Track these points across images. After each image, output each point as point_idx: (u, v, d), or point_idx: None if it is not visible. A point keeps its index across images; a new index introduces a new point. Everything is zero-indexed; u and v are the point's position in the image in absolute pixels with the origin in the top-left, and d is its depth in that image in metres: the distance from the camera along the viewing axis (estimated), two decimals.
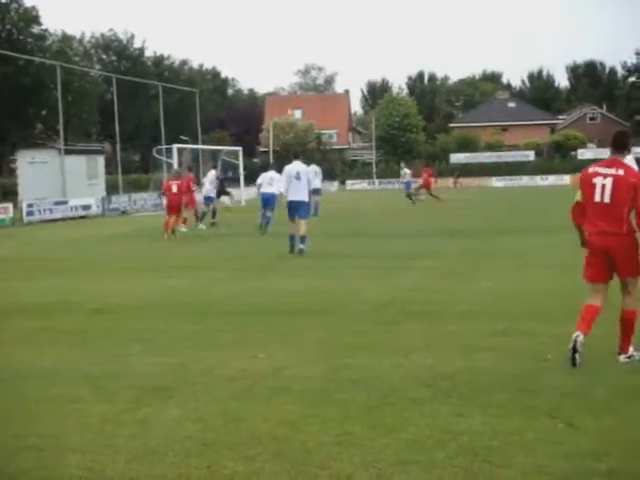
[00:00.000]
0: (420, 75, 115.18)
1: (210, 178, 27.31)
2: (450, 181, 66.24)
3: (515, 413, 5.29)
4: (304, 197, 16.63)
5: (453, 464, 4.44)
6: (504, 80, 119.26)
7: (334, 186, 71.74)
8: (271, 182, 21.47)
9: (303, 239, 16.22)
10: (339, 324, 8.52)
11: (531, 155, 79.58)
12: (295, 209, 16.50)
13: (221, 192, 29.95)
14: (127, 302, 10.59)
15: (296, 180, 16.55)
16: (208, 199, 26.65)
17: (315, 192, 25.79)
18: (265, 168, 26.02)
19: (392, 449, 4.70)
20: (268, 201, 21.74)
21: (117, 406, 5.70)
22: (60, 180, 38.08)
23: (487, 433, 4.91)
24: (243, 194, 48.92)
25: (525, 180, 70.77)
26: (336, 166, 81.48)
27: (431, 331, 7.98)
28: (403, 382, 6.10)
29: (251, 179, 60.32)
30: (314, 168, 26.80)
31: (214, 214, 26.35)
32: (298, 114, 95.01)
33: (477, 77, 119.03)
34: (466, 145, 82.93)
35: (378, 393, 5.83)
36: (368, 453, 4.65)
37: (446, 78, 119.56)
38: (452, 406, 5.46)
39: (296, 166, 16.93)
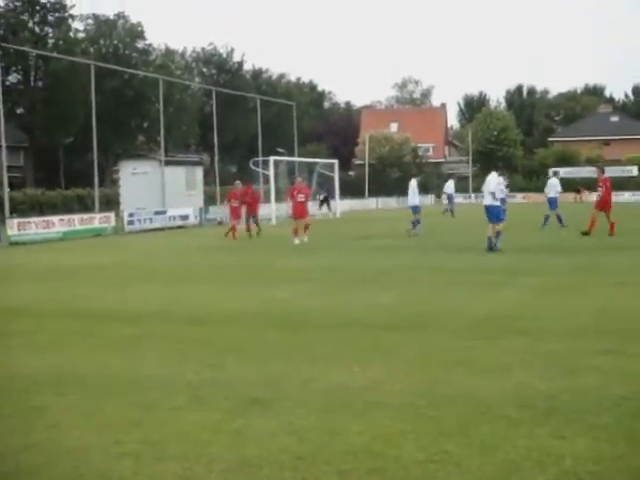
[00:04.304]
0: (519, 88, 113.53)
1: (413, 187, 27.17)
2: (571, 197, 64.70)
3: (622, 437, 5.06)
4: (486, 202, 19.65)
5: None
6: (607, 94, 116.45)
7: (429, 199, 71.17)
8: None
9: (496, 235, 19.19)
10: (436, 339, 8.39)
11: (634, 170, 77.28)
12: (485, 213, 19.73)
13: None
14: (224, 311, 10.72)
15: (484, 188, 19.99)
16: (414, 208, 26.63)
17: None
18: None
19: (489, 469, 4.57)
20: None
21: (214, 415, 5.74)
22: (160, 190, 38.99)
23: (591, 457, 4.72)
24: (338, 206, 48.89)
25: (627, 196, 68.70)
26: (432, 180, 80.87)
27: (532, 349, 7.77)
28: (501, 400, 5.94)
29: (346, 191, 60.61)
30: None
31: (414, 225, 26.17)
32: (394, 127, 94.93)
33: (579, 91, 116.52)
34: (565, 160, 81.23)
35: (475, 411, 5.69)
36: (464, 472, 4.53)
37: (546, 92, 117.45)
38: (553, 427, 5.28)
39: (488, 176, 20.16)
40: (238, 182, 30.20)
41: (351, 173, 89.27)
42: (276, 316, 10.25)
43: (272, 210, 39.60)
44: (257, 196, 29.85)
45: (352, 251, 21.07)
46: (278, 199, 40.20)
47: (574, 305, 10.59)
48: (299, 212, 24.45)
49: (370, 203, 67.48)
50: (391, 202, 69.31)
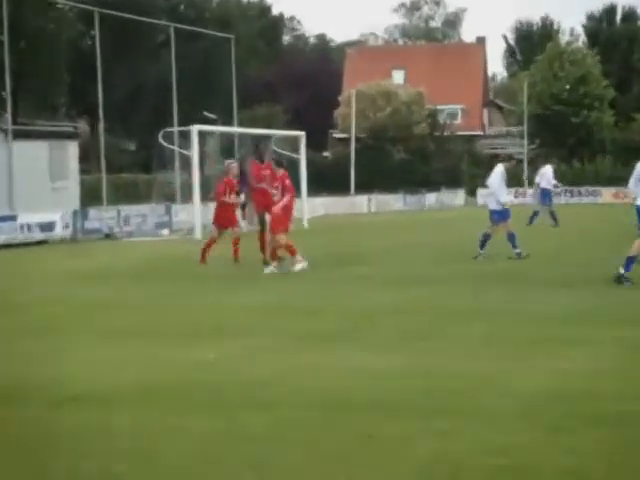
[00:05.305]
0: (609, 11, 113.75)
1: (499, 176, 27.14)
2: None
3: None
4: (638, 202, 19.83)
5: None
6: None
7: (459, 198, 71.37)
8: None
9: (628, 260, 19.13)
10: (467, 432, 8.53)
11: None
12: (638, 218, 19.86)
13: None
14: (117, 385, 10.81)
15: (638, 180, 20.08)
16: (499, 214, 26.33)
17: None
18: None
19: None
20: None
21: None
22: (5, 181, 38.79)
23: None
24: (306, 209, 48.51)
25: None
26: (462, 165, 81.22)
27: (616, 445, 7.96)
28: None
29: (319, 184, 60.37)
30: None
31: (483, 243, 25.96)
32: (399, 77, 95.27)
33: None
34: None
35: None
36: None
37: None
38: None
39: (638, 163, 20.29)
40: (231, 162, 29.25)
41: (327, 154, 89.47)
42: (199, 391, 10.37)
43: (196, 215, 39.55)
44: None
45: (330, 284, 21.16)
46: (206, 197, 40.09)
47: None
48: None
49: (358, 202, 67.42)
50: (394, 201, 69.39)
